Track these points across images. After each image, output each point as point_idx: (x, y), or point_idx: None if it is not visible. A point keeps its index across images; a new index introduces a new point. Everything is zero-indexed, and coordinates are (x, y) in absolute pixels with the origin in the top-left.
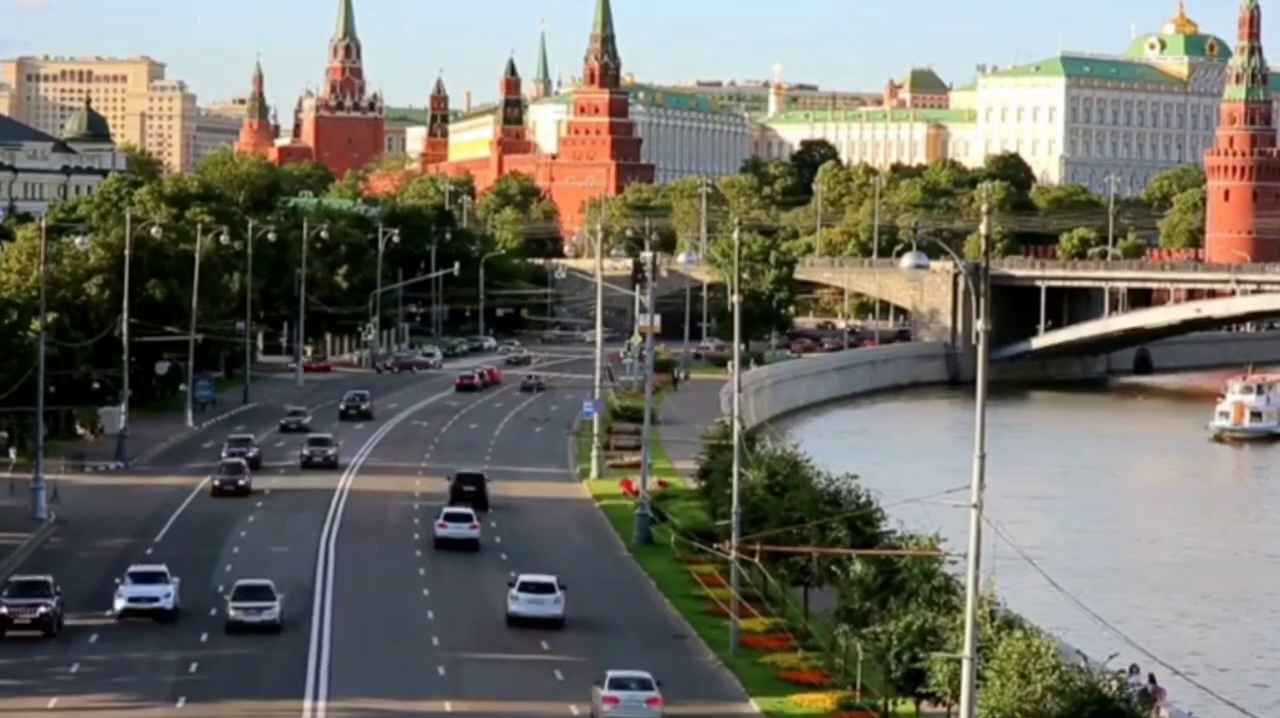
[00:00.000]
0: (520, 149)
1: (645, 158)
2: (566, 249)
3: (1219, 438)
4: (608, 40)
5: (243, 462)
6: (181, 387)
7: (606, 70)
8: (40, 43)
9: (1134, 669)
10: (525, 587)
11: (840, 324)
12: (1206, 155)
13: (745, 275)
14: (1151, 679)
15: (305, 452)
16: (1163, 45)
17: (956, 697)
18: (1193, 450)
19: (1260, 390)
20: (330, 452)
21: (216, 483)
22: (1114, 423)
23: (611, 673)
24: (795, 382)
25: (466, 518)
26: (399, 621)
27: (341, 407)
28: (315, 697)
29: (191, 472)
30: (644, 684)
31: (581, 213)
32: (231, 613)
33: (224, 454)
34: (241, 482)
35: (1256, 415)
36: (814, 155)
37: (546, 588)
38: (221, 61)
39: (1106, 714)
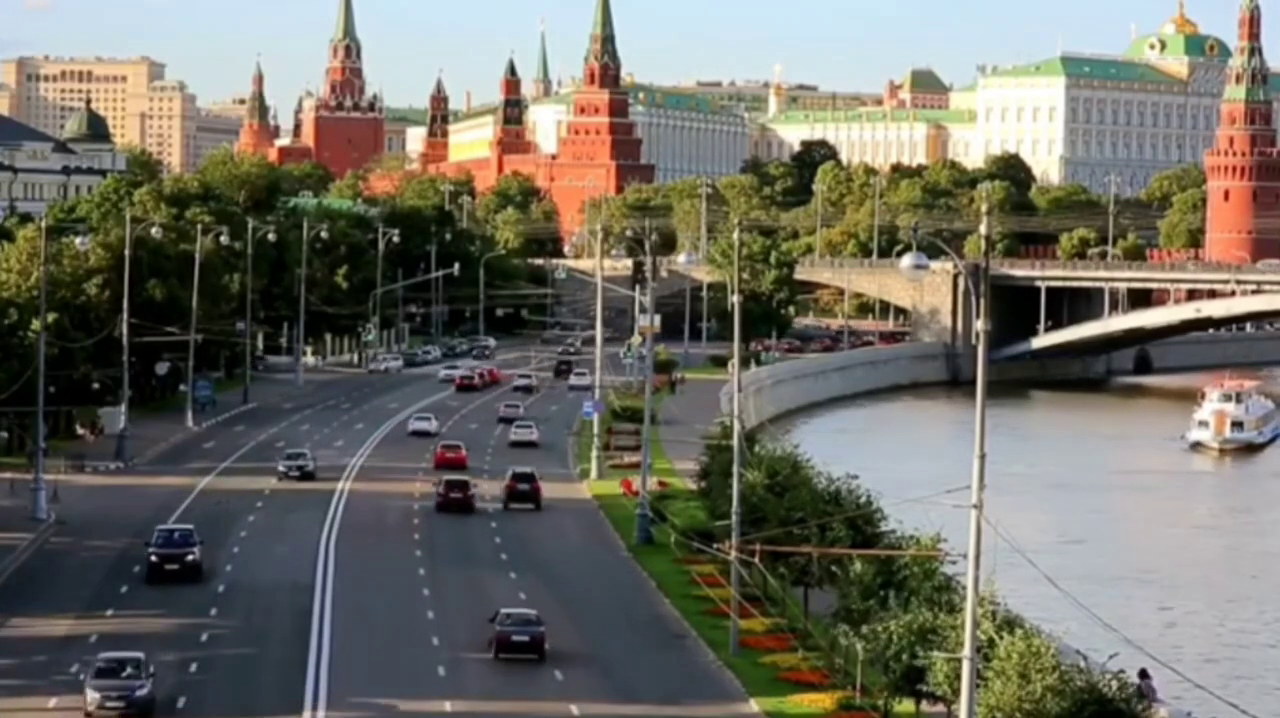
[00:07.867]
0: (520, 149)
1: (645, 158)
2: (566, 249)
3: (1197, 448)
4: (608, 40)
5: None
6: (181, 387)
7: (606, 70)
8: (40, 43)
9: (1143, 674)
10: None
11: (827, 325)
12: (1206, 155)
13: (745, 275)
14: (1144, 675)
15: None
16: (1163, 45)
17: (956, 696)
18: (1189, 452)
19: (1239, 398)
20: None
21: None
22: (1113, 423)
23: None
24: (795, 382)
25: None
26: (399, 620)
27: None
28: (315, 696)
29: (191, 472)
30: None
31: (581, 213)
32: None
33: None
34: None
35: (1238, 425)
36: (814, 155)
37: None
38: (221, 61)
39: (1106, 714)
